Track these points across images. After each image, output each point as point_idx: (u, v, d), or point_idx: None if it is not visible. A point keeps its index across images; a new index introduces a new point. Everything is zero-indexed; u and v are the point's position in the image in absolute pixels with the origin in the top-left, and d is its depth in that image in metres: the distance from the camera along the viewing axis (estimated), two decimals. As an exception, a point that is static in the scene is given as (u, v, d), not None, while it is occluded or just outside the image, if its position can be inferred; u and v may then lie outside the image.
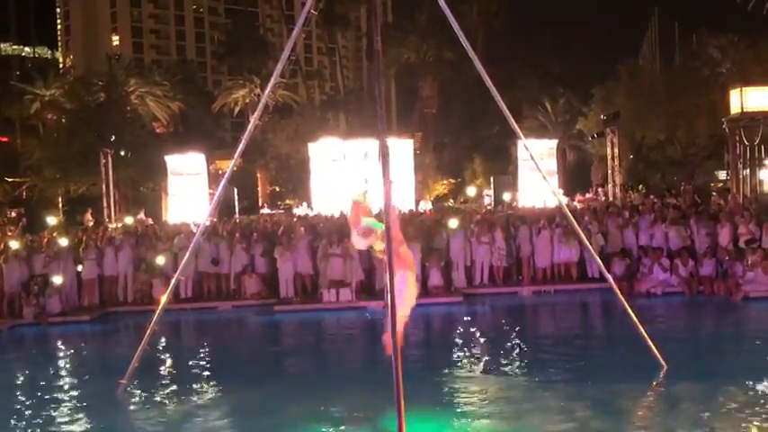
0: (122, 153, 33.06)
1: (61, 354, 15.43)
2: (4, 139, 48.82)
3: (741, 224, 18.93)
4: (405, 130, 48.50)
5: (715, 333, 15.20)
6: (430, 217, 23.74)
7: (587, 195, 34.63)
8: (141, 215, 32.06)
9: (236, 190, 32.85)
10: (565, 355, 12.93)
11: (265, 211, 36.55)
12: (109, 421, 10.15)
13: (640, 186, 34.00)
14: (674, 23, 55.87)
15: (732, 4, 39.35)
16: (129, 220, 29.96)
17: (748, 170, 28.98)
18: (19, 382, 12.72)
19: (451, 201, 45.16)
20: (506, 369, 12.09)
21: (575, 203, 29.33)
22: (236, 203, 33.31)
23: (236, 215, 31.50)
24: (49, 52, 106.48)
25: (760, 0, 38.67)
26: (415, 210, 28.67)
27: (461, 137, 52.30)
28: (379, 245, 8.68)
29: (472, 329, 15.52)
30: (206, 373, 12.61)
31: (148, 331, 11.20)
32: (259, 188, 45.01)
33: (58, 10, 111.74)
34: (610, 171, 31.61)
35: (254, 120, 12.39)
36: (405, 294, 8.52)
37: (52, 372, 13.28)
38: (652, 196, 28.36)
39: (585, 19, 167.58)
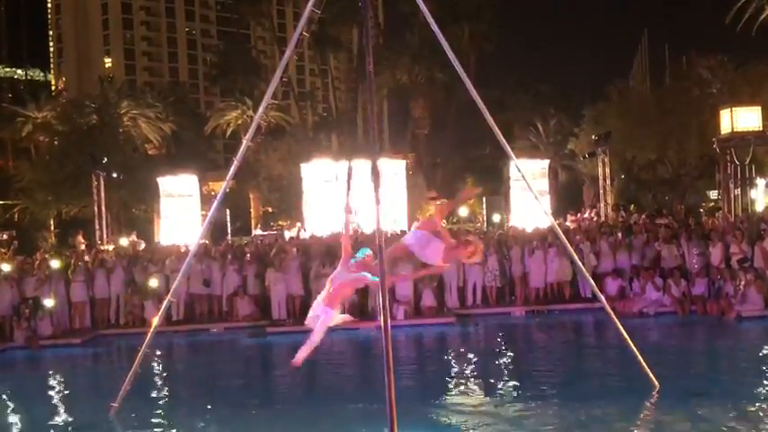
0: (114, 175, 33.02)
1: (52, 377, 15.31)
2: (-4, 162, 48.91)
3: (733, 244, 18.92)
4: (397, 151, 48.54)
5: (708, 353, 15.21)
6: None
7: (579, 215, 34.62)
8: (133, 237, 31.97)
9: (228, 211, 32.78)
10: (558, 375, 12.93)
11: (258, 232, 36.44)
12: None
13: (632, 206, 34.00)
14: (665, 44, 56.09)
15: (721, 26, 39.88)
16: (123, 241, 29.86)
17: (739, 190, 29.03)
18: (10, 406, 12.61)
19: (444, 221, 45.14)
20: (499, 390, 12.06)
21: (566, 223, 29.32)
22: (229, 225, 33.22)
23: (229, 236, 31.42)
24: (42, 74, 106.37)
25: (749, 21, 39.17)
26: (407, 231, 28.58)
27: (453, 157, 52.34)
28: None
29: (465, 350, 15.49)
30: (198, 395, 12.54)
31: (140, 354, 11.14)
32: (251, 209, 44.91)
33: (51, 32, 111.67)
34: (601, 191, 31.65)
35: (246, 141, 12.27)
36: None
37: (43, 395, 13.18)
38: (644, 216, 28.32)
39: (576, 40, 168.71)
